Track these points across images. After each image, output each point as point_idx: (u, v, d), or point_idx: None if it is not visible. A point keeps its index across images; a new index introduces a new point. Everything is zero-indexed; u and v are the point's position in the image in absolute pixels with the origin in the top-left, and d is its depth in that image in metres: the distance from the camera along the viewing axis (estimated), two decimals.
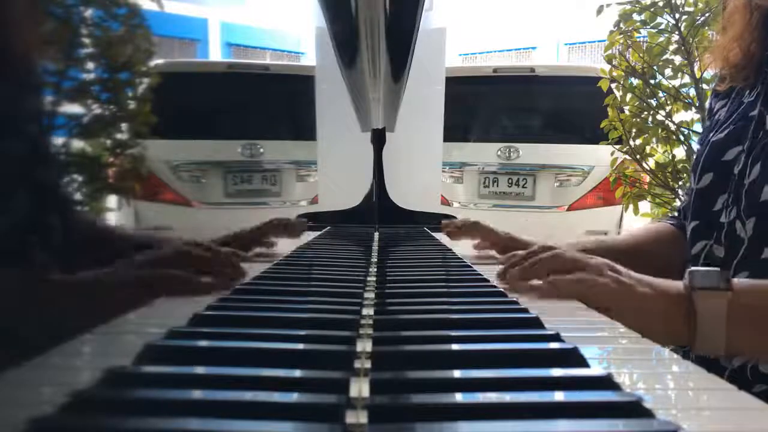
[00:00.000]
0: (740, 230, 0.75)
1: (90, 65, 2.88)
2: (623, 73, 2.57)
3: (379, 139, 1.41)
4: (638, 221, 2.81)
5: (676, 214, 1.01)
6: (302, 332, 0.44)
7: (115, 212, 3.35)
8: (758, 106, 0.79)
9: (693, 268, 0.63)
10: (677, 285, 0.63)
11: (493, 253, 0.99)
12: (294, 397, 0.31)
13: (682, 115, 2.55)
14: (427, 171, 1.95)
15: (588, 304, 0.61)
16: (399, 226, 1.36)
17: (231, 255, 0.75)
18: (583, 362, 0.38)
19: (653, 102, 2.57)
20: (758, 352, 0.65)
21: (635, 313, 0.61)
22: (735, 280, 0.61)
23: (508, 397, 0.32)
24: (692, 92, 2.48)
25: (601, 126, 2.66)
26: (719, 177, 0.81)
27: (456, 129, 3.22)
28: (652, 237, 0.98)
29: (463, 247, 1.04)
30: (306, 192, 3.67)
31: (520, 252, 0.74)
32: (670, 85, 2.52)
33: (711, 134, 0.86)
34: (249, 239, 1.01)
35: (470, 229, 1.06)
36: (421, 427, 0.29)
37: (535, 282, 0.67)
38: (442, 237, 1.14)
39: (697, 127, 2.48)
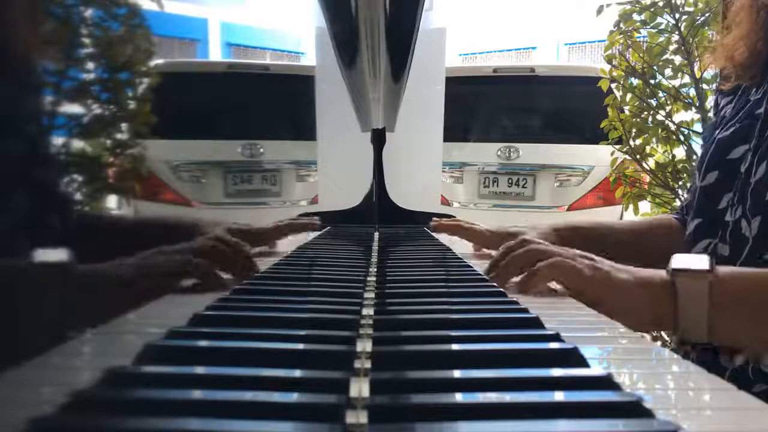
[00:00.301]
0: (745, 229, 0.75)
1: (90, 65, 2.88)
2: (623, 73, 2.57)
3: (379, 139, 1.41)
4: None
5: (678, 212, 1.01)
6: (302, 332, 0.44)
7: (115, 212, 3.35)
8: (764, 104, 0.78)
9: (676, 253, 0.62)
10: (659, 272, 0.63)
11: (492, 252, 0.99)
12: (294, 397, 0.31)
13: (682, 115, 2.54)
14: (427, 171, 1.95)
15: (565, 286, 0.61)
16: (399, 226, 1.36)
17: (248, 251, 0.76)
18: (583, 362, 0.38)
19: (653, 102, 2.57)
20: (741, 339, 0.64)
21: (614, 299, 0.61)
22: (719, 266, 0.61)
23: (508, 397, 0.32)
24: (692, 92, 2.48)
25: (601, 126, 2.66)
26: (724, 175, 0.81)
27: (456, 129, 3.23)
28: (648, 226, 0.99)
29: (463, 247, 1.04)
30: (306, 192, 3.67)
31: (498, 252, 0.75)
32: (670, 85, 2.52)
33: (717, 131, 0.86)
34: (260, 237, 1.00)
35: (454, 230, 1.06)
36: (421, 427, 0.29)
37: (514, 279, 0.68)
38: (442, 237, 1.14)
39: (697, 127, 2.47)
